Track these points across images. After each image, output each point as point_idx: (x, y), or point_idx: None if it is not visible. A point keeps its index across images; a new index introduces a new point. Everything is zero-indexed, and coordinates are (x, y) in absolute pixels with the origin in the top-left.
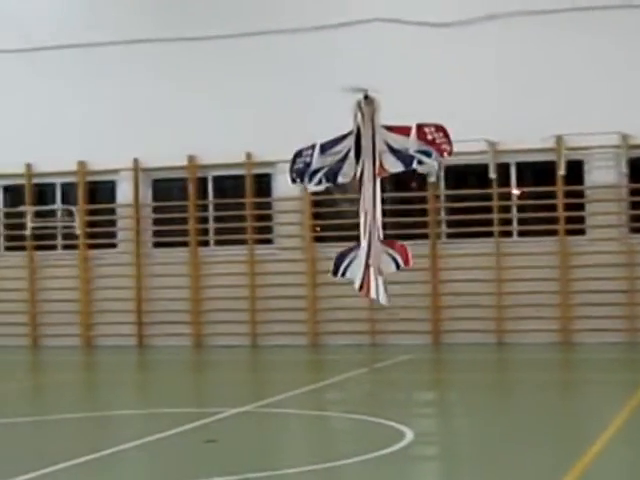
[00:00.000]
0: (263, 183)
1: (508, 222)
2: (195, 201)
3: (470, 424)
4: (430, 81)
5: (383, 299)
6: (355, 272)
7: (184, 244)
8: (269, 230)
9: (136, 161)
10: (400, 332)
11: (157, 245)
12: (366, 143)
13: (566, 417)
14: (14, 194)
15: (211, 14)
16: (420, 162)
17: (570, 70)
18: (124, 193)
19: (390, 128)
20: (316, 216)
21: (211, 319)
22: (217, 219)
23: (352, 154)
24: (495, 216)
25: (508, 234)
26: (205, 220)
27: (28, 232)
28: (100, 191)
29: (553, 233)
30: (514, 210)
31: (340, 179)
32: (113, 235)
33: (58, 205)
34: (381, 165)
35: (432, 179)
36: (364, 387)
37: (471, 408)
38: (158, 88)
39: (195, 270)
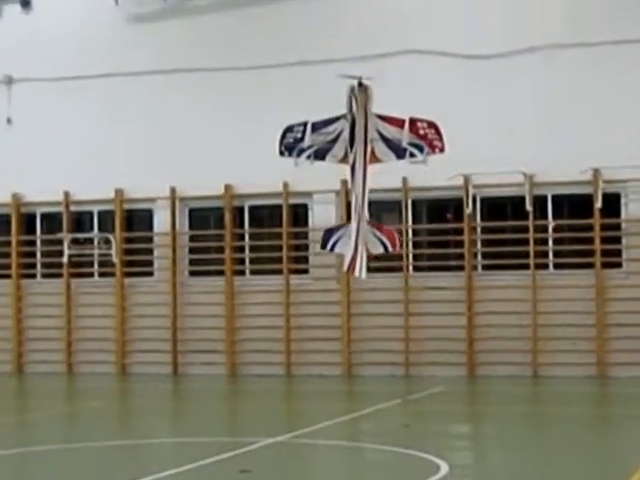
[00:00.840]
0: (299, 213)
1: (544, 254)
2: (231, 230)
3: (505, 457)
4: (468, 112)
5: (364, 275)
6: (344, 248)
7: (220, 273)
8: (305, 260)
9: (173, 190)
10: (435, 364)
11: (193, 274)
12: (359, 129)
13: (602, 452)
14: (52, 221)
15: (250, 44)
16: (412, 155)
17: (608, 103)
18: (161, 221)
19: (383, 117)
20: None
21: (246, 348)
22: (253, 248)
23: (346, 136)
24: (531, 248)
25: (544, 266)
26: (241, 249)
27: (65, 259)
28: (137, 219)
29: (589, 266)
30: (550, 242)
31: (329, 158)
32: (150, 263)
33: (95, 233)
34: (372, 153)
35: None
36: (398, 418)
37: (506, 441)
38: (195, 117)
39: (231, 299)
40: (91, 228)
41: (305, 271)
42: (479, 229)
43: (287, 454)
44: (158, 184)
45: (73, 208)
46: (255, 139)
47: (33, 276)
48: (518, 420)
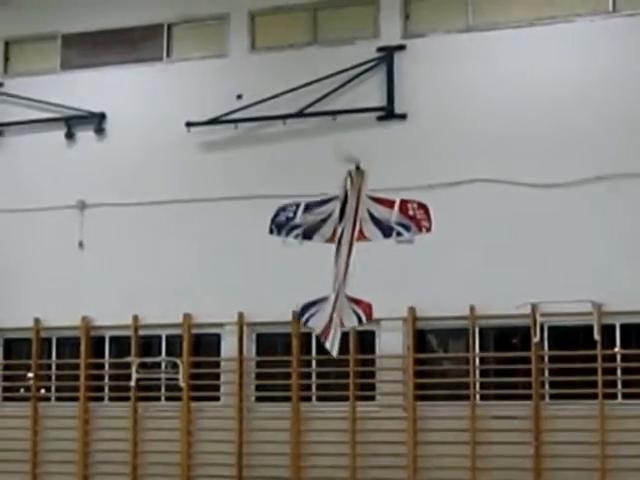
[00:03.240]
0: (367, 340)
1: (613, 384)
2: (298, 356)
3: None
4: (535, 241)
5: (335, 351)
6: (317, 323)
7: (287, 399)
8: (371, 387)
9: (241, 315)
10: None
11: (259, 399)
12: (350, 209)
13: None
14: (120, 345)
15: (320, 172)
16: (399, 234)
17: None
18: (228, 346)
19: (375, 199)
20: (419, 374)
21: (311, 475)
22: (320, 375)
23: (336, 216)
24: (599, 378)
25: (613, 396)
26: (308, 376)
27: (133, 383)
28: (205, 344)
29: None
30: (619, 372)
31: (316, 238)
32: (216, 388)
33: (163, 357)
34: (361, 231)
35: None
36: None
37: None
38: (264, 244)
39: (297, 425)
40: (159, 352)
41: (372, 398)
42: (547, 358)
43: None
44: (226, 309)
45: (142, 332)
46: (324, 265)
47: (101, 399)
48: None
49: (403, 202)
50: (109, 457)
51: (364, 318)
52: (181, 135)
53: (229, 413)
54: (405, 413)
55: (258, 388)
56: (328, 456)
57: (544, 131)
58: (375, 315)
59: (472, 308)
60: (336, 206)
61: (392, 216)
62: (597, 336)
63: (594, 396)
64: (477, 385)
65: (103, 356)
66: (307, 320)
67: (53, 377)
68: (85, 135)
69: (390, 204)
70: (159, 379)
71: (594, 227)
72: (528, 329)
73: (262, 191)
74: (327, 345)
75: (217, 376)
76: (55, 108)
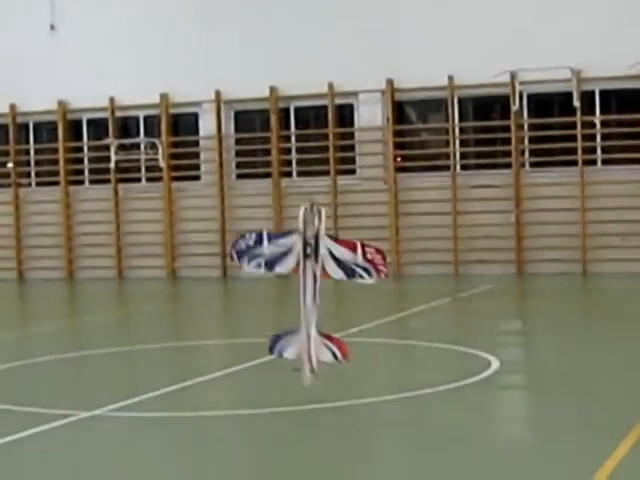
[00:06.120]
0: (345, 113)
1: (592, 150)
2: (278, 132)
3: (556, 353)
4: (514, 6)
5: (307, 380)
6: (292, 353)
7: (267, 175)
8: (352, 161)
9: (218, 93)
10: (483, 262)
11: (240, 177)
12: (311, 246)
13: None
14: (98, 127)
15: None
16: (360, 276)
17: None
18: (207, 125)
19: (334, 239)
20: (398, 146)
21: None
22: (299, 150)
23: (299, 251)
24: (579, 144)
25: (592, 163)
26: (288, 151)
27: (112, 165)
28: (183, 123)
29: (638, 161)
30: (598, 138)
31: (278, 268)
32: (196, 167)
33: (141, 138)
34: (323, 268)
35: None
36: (449, 316)
37: (556, 338)
38: (239, 19)
39: (278, 201)
40: (137, 133)
41: (352, 172)
42: (526, 126)
43: None
44: (203, 88)
45: (119, 114)
46: (299, 40)
47: (81, 182)
48: (568, 317)
49: (362, 246)
50: (93, 240)
51: (339, 355)
52: None
53: (210, 191)
54: (386, 185)
55: (238, 166)
56: None
57: None
58: (353, 88)
59: (450, 78)
60: (297, 240)
61: (355, 259)
62: (576, 102)
63: (574, 163)
64: (457, 155)
65: (81, 139)
66: (280, 352)
67: (32, 162)
68: None
69: (351, 246)
70: (138, 160)
71: None
72: (507, 98)
73: None
74: (306, 374)
75: (197, 155)
76: None
